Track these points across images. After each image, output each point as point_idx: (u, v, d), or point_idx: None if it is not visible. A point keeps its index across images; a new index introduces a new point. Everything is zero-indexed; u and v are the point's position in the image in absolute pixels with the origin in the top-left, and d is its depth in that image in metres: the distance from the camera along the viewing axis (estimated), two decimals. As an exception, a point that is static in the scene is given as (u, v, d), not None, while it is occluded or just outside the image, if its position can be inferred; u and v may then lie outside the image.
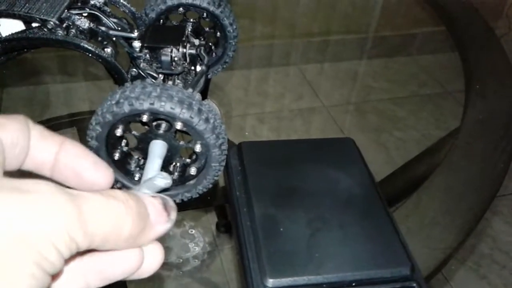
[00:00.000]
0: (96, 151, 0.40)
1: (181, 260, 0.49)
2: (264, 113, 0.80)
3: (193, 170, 0.41)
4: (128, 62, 0.46)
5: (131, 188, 0.42)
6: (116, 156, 0.41)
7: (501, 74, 0.76)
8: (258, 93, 0.83)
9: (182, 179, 0.42)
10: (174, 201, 0.42)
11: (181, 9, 0.53)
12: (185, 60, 0.46)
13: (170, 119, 0.38)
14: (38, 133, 0.24)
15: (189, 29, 0.51)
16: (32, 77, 0.77)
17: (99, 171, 0.25)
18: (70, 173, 0.24)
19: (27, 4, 0.43)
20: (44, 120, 0.68)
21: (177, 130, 0.39)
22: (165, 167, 0.41)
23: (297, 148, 0.47)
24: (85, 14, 0.45)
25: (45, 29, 0.42)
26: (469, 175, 0.57)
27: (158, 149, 0.39)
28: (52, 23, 0.42)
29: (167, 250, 0.50)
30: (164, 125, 0.39)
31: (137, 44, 0.45)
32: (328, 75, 0.93)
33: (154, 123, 0.39)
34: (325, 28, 1.05)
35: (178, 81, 0.46)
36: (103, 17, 0.46)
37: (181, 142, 0.40)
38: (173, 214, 0.25)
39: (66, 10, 0.43)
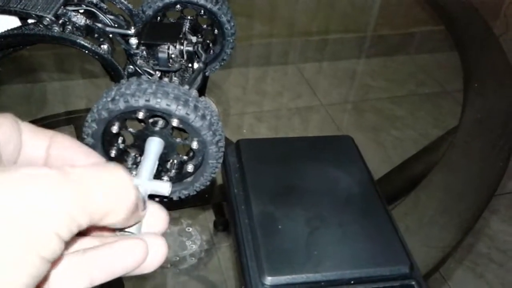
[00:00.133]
0: (92, 148, 0.39)
1: (178, 258, 0.49)
2: (262, 111, 0.79)
3: (190, 167, 0.41)
4: (125, 59, 0.45)
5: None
6: (113, 153, 0.41)
7: (500, 73, 0.76)
8: (256, 92, 0.83)
9: (179, 176, 0.42)
10: (171, 198, 0.42)
11: (178, 6, 0.53)
12: (182, 57, 0.46)
13: (166, 116, 0.38)
14: (28, 130, 0.24)
15: (187, 26, 0.51)
16: (29, 74, 0.77)
17: (90, 159, 0.25)
18: (63, 165, 0.24)
19: (23, 0, 0.42)
20: (41, 118, 0.67)
21: (173, 127, 0.38)
22: (161, 164, 0.41)
23: (295, 145, 0.47)
24: (81, 11, 0.45)
25: (41, 26, 0.42)
26: (467, 174, 0.57)
27: (154, 146, 0.39)
28: (48, 19, 0.42)
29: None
30: (160, 122, 0.39)
31: (134, 41, 0.45)
32: (326, 74, 0.93)
33: (151, 120, 0.39)
34: (324, 26, 1.05)
35: (175, 78, 0.46)
36: (99, 14, 0.45)
37: (178, 139, 0.40)
38: (146, 203, 0.25)
39: (62, 7, 0.43)
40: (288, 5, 1.09)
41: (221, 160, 0.41)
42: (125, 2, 0.49)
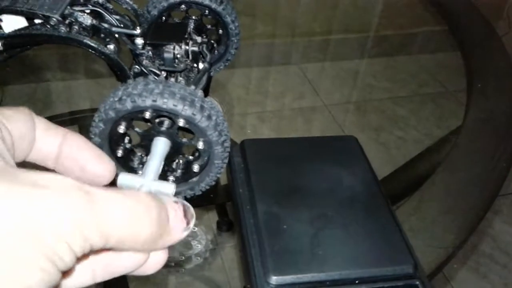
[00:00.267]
0: (99, 148, 0.40)
1: (183, 257, 0.49)
2: (265, 111, 0.80)
3: (195, 168, 0.41)
4: (131, 59, 0.46)
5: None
6: (119, 153, 0.41)
7: (503, 74, 0.76)
8: (259, 92, 0.84)
9: (184, 177, 0.42)
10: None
11: (183, 6, 0.53)
12: (188, 57, 0.46)
13: (172, 116, 0.38)
14: (43, 125, 0.24)
15: (191, 27, 0.51)
16: (33, 74, 0.77)
17: (102, 163, 0.25)
18: (73, 164, 0.24)
19: (29, 1, 0.43)
20: (45, 118, 0.67)
21: (179, 127, 0.39)
22: (167, 164, 0.41)
23: (300, 146, 0.47)
24: (87, 11, 0.45)
25: (48, 26, 0.42)
26: (470, 174, 0.57)
27: (160, 146, 0.39)
28: (54, 19, 0.42)
29: (169, 247, 0.50)
30: (166, 122, 0.39)
31: (139, 41, 0.45)
32: (329, 74, 0.93)
33: (157, 120, 0.39)
34: (326, 27, 1.05)
35: (181, 78, 0.46)
36: (105, 14, 0.46)
37: (184, 139, 0.40)
38: (192, 222, 0.24)
39: (68, 7, 0.43)
40: (291, 5, 1.09)
41: (226, 160, 0.41)
42: (131, 2, 0.49)
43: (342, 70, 0.93)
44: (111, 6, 0.47)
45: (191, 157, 0.41)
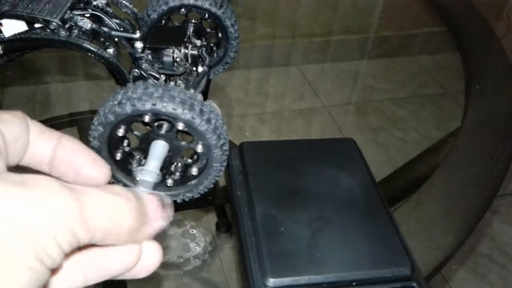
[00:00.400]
0: (98, 151, 0.40)
1: (181, 259, 0.50)
2: (264, 113, 0.80)
3: (194, 171, 0.41)
4: (130, 63, 0.46)
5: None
6: (118, 156, 0.41)
7: (502, 75, 0.77)
8: (258, 93, 0.84)
9: (183, 179, 0.42)
10: (175, 200, 0.43)
11: (183, 10, 0.53)
12: (187, 60, 0.46)
13: (172, 119, 0.38)
14: (36, 128, 0.24)
15: (191, 30, 0.51)
16: (33, 76, 0.77)
17: (97, 167, 0.25)
18: (68, 168, 0.25)
19: (29, 5, 0.43)
20: (45, 120, 0.68)
21: (178, 130, 0.39)
22: (166, 167, 0.42)
23: (298, 148, 0.48)
24: (87, 15, 0.45)
25: (48, 30, 0.43)
26: (469, 176, 0.57)
27: (158, 149, 0.39)
28: (54, 23, 0.42)
29: (168, 249, 0.50)
30: (166, 126, 0.40)
31: (139, 44, 0.45)
32: (328, 75, 0.93)
33: (156, 124, 0.39)
34: (326, 28, 1.05)
35: (180, 81, 0.46)
36: (105, 18, 0.46)
37: (183, 143, 0.40)
38: (170, 212, 0.25)
39: (68, 11, 0.43)
40: (291, 6, 1.09)
41: (225, 164, 0.41)
42: (130, 6, 0.49)
43: (342, 71, 0.93)
44: (110, 10, 0.47)
45: (189, 160, 0.42)
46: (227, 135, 0.40)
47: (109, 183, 0.25)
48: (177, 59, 0.45)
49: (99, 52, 0.43)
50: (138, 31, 0.46)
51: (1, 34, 0.43)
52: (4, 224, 0.18)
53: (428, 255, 0.47)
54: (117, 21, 0.47)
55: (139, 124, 0.40)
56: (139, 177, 0.35)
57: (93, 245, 0.23)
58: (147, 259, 0.24)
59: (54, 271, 0.20)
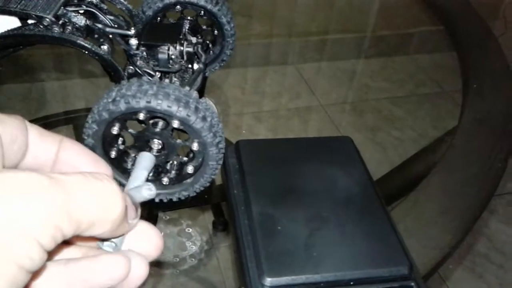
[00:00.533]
0: (93, 149, 0.40)
1: (178, 259, 0.49)
2: (261, 111, 0.79)
3: (190, 169, 0.41)
4: (125, 60, 0.45)
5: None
6: (113, 154, 0.41)
7: (499, 74, 0.76)
8: (255, 92, 0.83)
9: (179, 178, 0.42)
10: (171, 199, 0.42)
11: (178, 7, 0.53)
12: (182, 58, 0.46)
13: (167, 117, 0.38)
14: (37, 132, 0.24)
15: (186, 27, 0.51)
16: (28, 74, 0.77)
17: (99, 169, 0.25)
18: (71, 171, 0.24)
19: (23, 1, 0.42)
20: (40, 118, 0.67)
21: (174, 128, 0.38)
22: (162, 165, 0.41)
23: (295, 146, 0.47)
24: (81, 11, 0.45)
25: (41, 26, 0.42)
26: (466, 175, 0.57)
27: (145, 161, 0.38)
28: (48, 20, 0.42)
29: (164, 248, 0.50)
30: (161, 123, 0.39)
31: (134, 41, 0.45)
32: (325, 74, 0.93)
33: (151, 121, 0.39)
34: (323, 27, 1.05)
35: (175, 79, 0.46)
36: (99, 14, 0.45)
37: (178, 141, 0.40)
38: (139, 211, 0.24)
39: (62, 7, 0.43)
40: (288, 5, 1.09)
41: (221, 162, 0.41)
42: (125, 3, 0.49)
43: (339, 70, 0.92)
44: (105, 7, 0.46)
45: (185, 158, 0.41)
46: (223, 133, 0.40)
47: None
48: (172, 56, 0.45)
49: (93, 49, 0.43)
50: (133, 28, 0.45)
51: (-6, 30, 0.42)
52: None
53: (425, 254, 0.46)
54: (112, 17, 0.46)
55: (134, 122, 0.39)
56: (126, 187, 0.34)
57: (79, 258, 0.23)
58: (133, 271, 0.23)
59: (36, 273, 0.19)
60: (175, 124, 0.38)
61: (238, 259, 0.38)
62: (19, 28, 0.43)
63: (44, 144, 0.24)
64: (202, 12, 0.53)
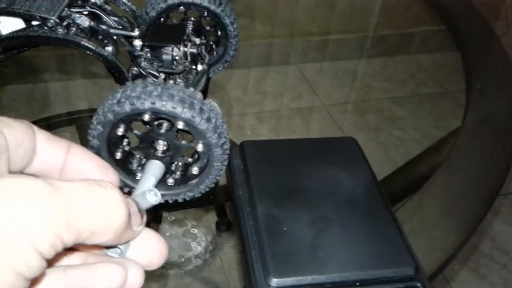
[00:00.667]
0: (98, 151, 0.40)
1: (182, 259, 0.49)
2: (263, 112, 0.79)
3: (195, 170, 0.41)
4: (129, 61, 0.45)
5: (133, 187, 0.42)
6: (118, 155, 0.41)
7: (502, 74, 0.76)
8: (257, 92, 0.83)
9: (184, 179, 0.42)
10: (176, 199, 0.42)
11: (181, 7, 0.53)
12: (186, 59, 0.46)
13: (171, 118, 0.38)
14: (45, 137, 0.24)
15: (190, 28, 0.51)
16: (31, 75, 0.77)
17: (106, 175, 0.25)
18: (78, 176, 0.24)
19: (27, 2, 0.42)
20: (43, 118, 0.67)
21: (179, 129, 0.38)
22: (167, 167, 0.41)
23: (299, 147, 0.47)
24: (85, 13, 0.45)
25: (46, 28, 0.42)
26: (470, 175, 0.57)
27: (154, 169, 0.38)
28: (52, 21, 0.42)
29: (169, 249, 0.50)
30: (165, 125, 0.39)
31: (138, 42, 0.45)
32: (327, 74, 0.92)
33: (156, 123, 0.39)
34: (325, 27, 1.05)
35: (179, 80, 0.46)
36: (103, 16, 0.45)
37: (183, 142, 0.40)
38: (144, 218, 0.24)
39: (66, 9, 0.43)
40: (290, 6, 1.09)
41: (226, 163, 0.41)
42: (129, 4, 0.49)
43: (340, 70, 0.92)
44: (109, 8, 0.46)
45: (190, 159, 0.41)
46: (227, 133, 0.40)
47: None
48: (176, 57, 0.45)
49: (97, 50, 0.43)
50: (136, 29, 0.45)
51: (-1, 32, 0.42)
52: None
53: (430, 255, 0.46)
54: (115, 18, 0.46)
55: (139, 123, 0.39)
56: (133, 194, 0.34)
57: (77, 266, 0.22)
58: (129, 280, 0.23)
59: (35, 280, 0.19)
60: (180, 125, 0.38)
61: (244, 259, 0.38)
62: (23, 29, 0.43)
63: (52, 149, 0.24)
64: (206, 13, 0.53)
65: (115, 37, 0.45)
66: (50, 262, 0.19)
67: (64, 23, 0.43)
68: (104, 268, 0.23)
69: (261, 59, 0.92)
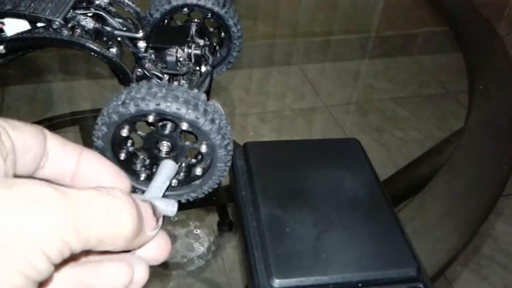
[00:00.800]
0: (102, 151, 0.40)
1: (185, 260, 0.49)
2: (265, 112, 0.79)
3: (198, 171, 0.41)
4: (133, 62, 0.46)
5: (136, 189, 0.42)
6: (122, 156, 0.41)
7: (504, 75, 0.76)
8: (259, 93, 0.83)
9: (187, 179, 0.42)
10: (179, 200, 0.43)
11: (185, 9, 0.53)
12: (190, 60, 0.46)
13: (176, 119, 0.38)
14: (57, 141, 0.24)
15: (194, 30, 0.51)
16: (34, 75, 0.77)
17: (119, 181, 0.25)
18: (90, 181, 0.24)
19: (32, 4, 0.43)
20: (46, 119, 0.67)
21: (182, 130, 0.39)
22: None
23: (302, 148, 0.47)
24: (90, 14, 0.45)
25: (51, 29, 0.42)
26: (473, 176, 0.57)
27: (168, 169, 0.38)
28: (57, 23, 0.42)
29: (172, 249, 0.50)
30: (170, 126, 0.39)
31: (142, 44, 0.45)
32: (329, 74, 0.93)
33: (160, 124, 0.39)
34: (327, 28, 1.05)
35: (183, 81, 0.46)
36: (108, 17, 0.46)
37: (187, 143, 0.40)
38: (160, 221, 0.24)
39: (71, 10, 0.43)
40: (292, 6, 1.09)
41: (229, 164, 0.41)
42: (133, 5, 0.49)
43: (343, 71, 0.92)
44: (113, 10, 0.47)
45: (194, 160, 0.41)
46: (231, 135, 0.40)
47: None
48: (181, 59, 0.45)
49: (102, 52, 0.43)
50: (141, 31, 0.46)
51: (4, 33, 0.43)
52: None
53: (432, 256, 0.46)
54: (120, 20, 0.46)
55: (143, 124, 0.39)
56: (146, 194, 0.34)
57: (83, 263, 0.22)
58: (135, 277, 0.23)
59: (43, 283, 0.19)
60: (184, 126, 0.38)
61: (246, 260, 0.38)
62: (28, 31, 0.43)
63: (64, 154, 0.24)
64: (209, 14, 0.53)
65: (119, 39, 0.45)
66: (57, 266, 0.19)
67: (69, 25, 0.43)
68: (111, 267, 0.23)
69: (263, 60, 0.92)
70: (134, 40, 0.45)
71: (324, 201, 0.41)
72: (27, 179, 0.19)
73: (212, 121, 0.38)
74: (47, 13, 0.42)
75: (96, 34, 0.44)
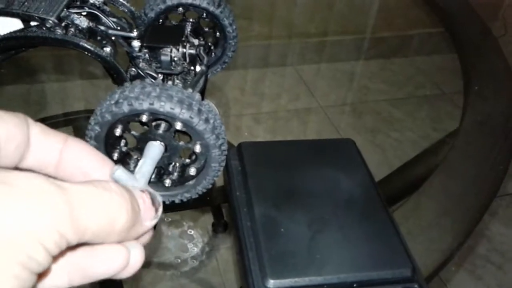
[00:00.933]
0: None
1: (179, 260, 0.49)
2: (260, 113, 0.79)
3: (192, 171, 0.41)
4: (127, 62, 0.45)
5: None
6: (115, 156, 0.41)
7: (499, 76, 0.77)
8: (254, 93, 0.83)
9: (181, 180, 0.42)
10: (173, 201, 0.42)
11: (180, 9, 0.53)
12: (185, 60, 0.46)
13: (169, 119, 0.38)
14: (40, 130, 0.23)
15: (189, 29, 0.51)
16: (28, 75, 0.77)
17: (105, 167, 0.24)
18: (76, 170, 0.24)
19: (25, 3, 0.42)
20: (40, 119, 0.67)
21: (176, 130, 0.38)
22: (164, 167, 0.41)
23: (297, 148, 0.47)
24: (84, 13, 0.45)
25: (44, 28, 0.42)
26: (468, 177, 0.57)
27: (153, 150, 0.38)
28: (51, 22, 0.42)
29: (165, 250, 0.50)
30: (163, 125, 0.39)
31: (136, 43, 0.45)
32: (324, 75, 0.93)
33: (154, 123, 0.39)
34: (322, 28, 1.05)
35: (178, 81, 0.46)
36: (102, 16, 0.45)
37: (181, 143, 0.40)
38: (160, 210, 0.24)
39: (65, 9, 0.43)
40: (288, 7, 1.09)
41: (223, 164, 0.41)
42: (128, 5, 0.49)
43: (338, 72, 0.93)
44: (107, 9, 0.46)
45: (187, 160, 0.41)
46: (225, 135, 0.40)
47: None
48: (175, 58, 0.45)
49: (96, 51, 0.43)
50: (135, 30, 0.45)
51: (-4, 32, 0.42)
52: None
53: (427, 257, 0.46)
54: (114, 19, 0.46)
55: (136, 124, 0.39)
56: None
57: (79, 247, 0.23)
58: (131, 260, 0.23)
59: (42, 274, 0.19)
60: (178, 126, 0.38)
61: (241, 261, 0.38)
62: (21, 30, 0.43)
63: (47, 143, 0.24)
64: (204, 14, 0.53)
65: (113, 38, 0.45)
66: (55, 257, 0.19)
67: (63, 24, 0.43)
68: (107, 249, 0.23)
69: (258, 60, 0.92)
70: (128, 40, 0.45)
71: (319, 201, 0.41)
72: (22, 172, 0.19)
73: (206, 120, 0.38)
74: (40, 12, 0.42)
75: (90, 33, 0.44)
